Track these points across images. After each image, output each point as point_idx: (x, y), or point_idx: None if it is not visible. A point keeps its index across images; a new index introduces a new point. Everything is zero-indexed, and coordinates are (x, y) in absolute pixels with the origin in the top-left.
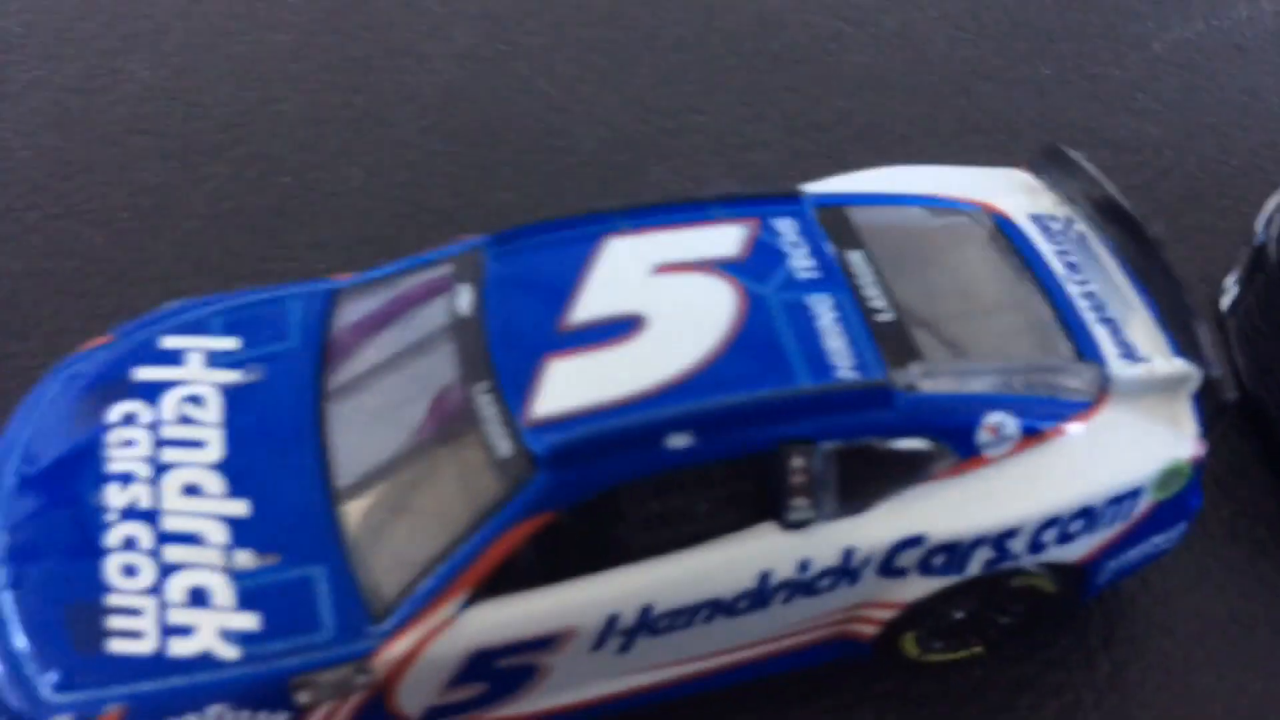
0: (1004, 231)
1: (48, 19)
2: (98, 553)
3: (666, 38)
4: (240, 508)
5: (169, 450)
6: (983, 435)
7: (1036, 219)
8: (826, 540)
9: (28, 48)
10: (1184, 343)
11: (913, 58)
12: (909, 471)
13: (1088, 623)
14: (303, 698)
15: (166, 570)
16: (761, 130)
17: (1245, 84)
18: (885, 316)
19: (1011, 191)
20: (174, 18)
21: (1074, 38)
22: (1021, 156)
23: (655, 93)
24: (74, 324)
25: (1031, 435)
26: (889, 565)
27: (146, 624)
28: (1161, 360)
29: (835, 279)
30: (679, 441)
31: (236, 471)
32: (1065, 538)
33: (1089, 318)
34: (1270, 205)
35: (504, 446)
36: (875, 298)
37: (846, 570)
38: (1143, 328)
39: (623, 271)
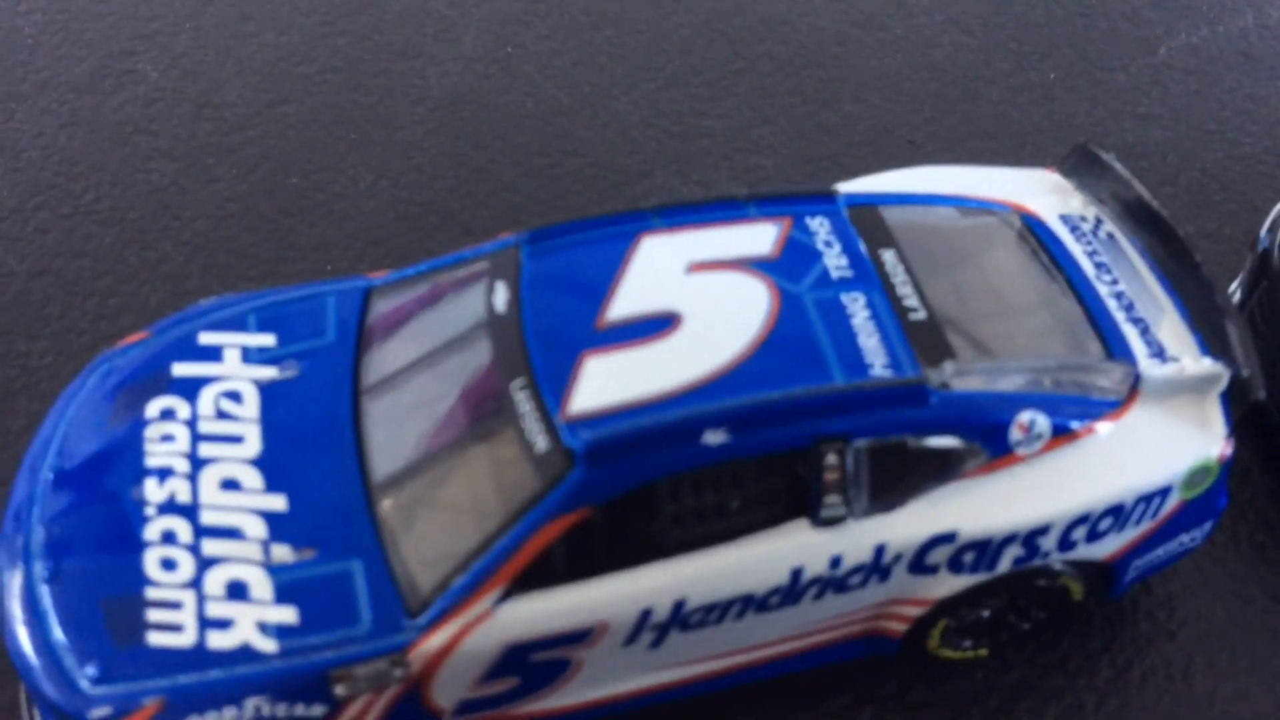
0: (1033, 231)
1: (59, 19)
2: (137, 546)
3: (673, 41)
4: (278, 502)
5: (207, 445)
6: (1014, 433)
7: (1066, 219)
8: (858, 537)
9: (38, 48)
10: (1212, 343)
11: (919, 62)
12: (941, 469)
13: (1089, 626)
14: (340, 690)
15: (205, 564)
16: (767, 134)
17: (1251, 90)
18: (918, 315)
19: (1041, 192)
20: (184, 19)
21: (1080, 43)
22: (1027, 161)
23: (662, 96)
24: (82, 324)
25: (1062, 434)
26: (920, 562)
27: (185, 617)
28: (1190, 360)
29: (868, 277)
30: (715, 438)
31: (274, 467)
32: (1094, 536)
33: (1118, 317)
34: (1275, 211)
35: (541, 442)
36: (908, 296)
37: (878, 567)
38: (1172, 327)
39: (658, 269)
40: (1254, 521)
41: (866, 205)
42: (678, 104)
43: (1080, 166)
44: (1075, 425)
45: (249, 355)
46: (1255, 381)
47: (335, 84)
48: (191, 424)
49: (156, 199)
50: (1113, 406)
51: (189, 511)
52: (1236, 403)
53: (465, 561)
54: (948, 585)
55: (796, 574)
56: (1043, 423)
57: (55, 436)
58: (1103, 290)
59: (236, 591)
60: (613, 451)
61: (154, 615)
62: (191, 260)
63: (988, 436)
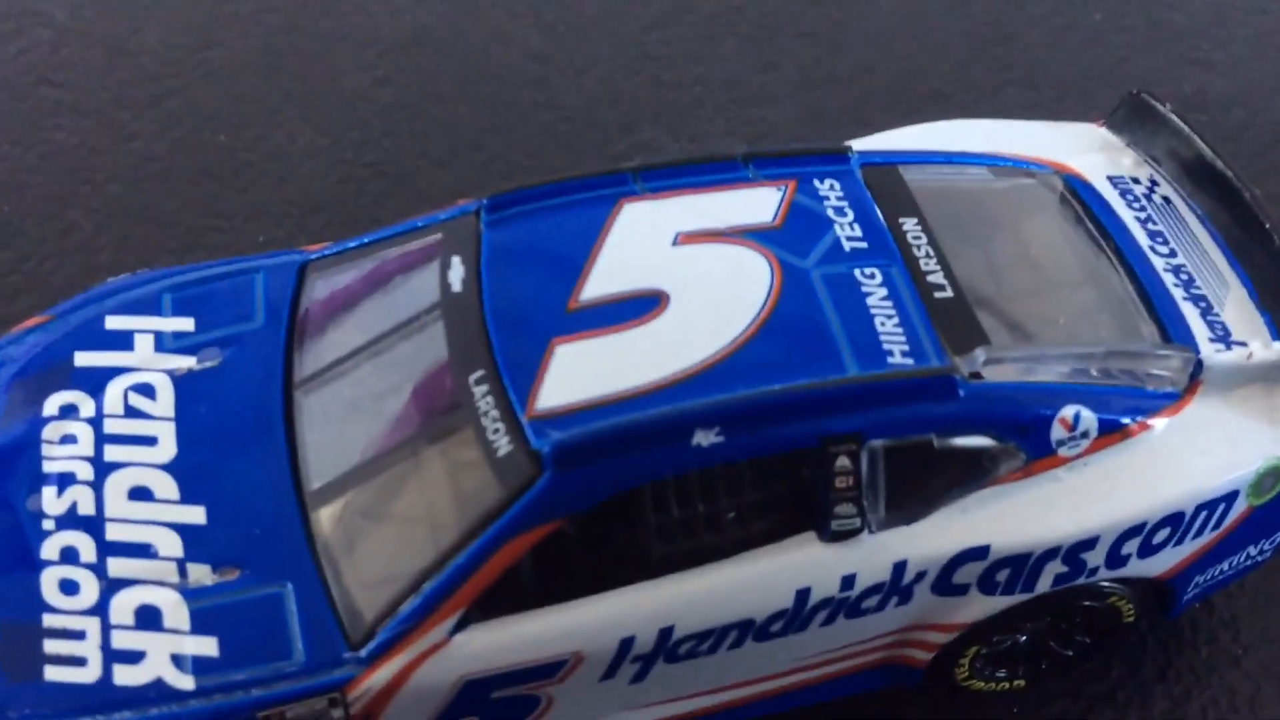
0: (1078, 195)
1: None
2: (33, 566)
3: None
4: (196, 515)
5: (114, 448)
6: (1056, 431)
7: (1115, 181)
8: (875, 553)
9: None
10: None
11: (947, 0)
12: (970, 473)
13: (1142, 652)
14: None
15: (111, 587)
16: (771, 83)
17: None
18: (944, 294)
19: (1086, 149)
20: None
21: None
22: (1070, 114)
23: (649, 39)
24: None
25: (1111, 431)
26: (946, 582)
27: (89, 649)
28: (1260, 345)
29: (886, 250)
30: (705, 439)
31: (191, 473)
32: (1149, 549)
33: (1176, 295)
34: None
35: (503, 444)
36: (933, 272)
37: (897, 587)
38: (1238, 307)
39: (641, 241)
40: None
41: (885, 166)
42: (667, 47)
43: (1132, 120)
44: (1126, 421)
45: (163, 342)
46: None
47: (270, 25)
48: (96, 423)
49: (62, 160)
50: (1170, 399)
51: (93, 525)
52: None
53: (415, 583)
54: (979, 607)
55: (803, 596)
56: (1089, 419)
57: None
58: (1158, 263)
59: (148, 619)
60: (587, 454)
61: (52, 646)
62: (103, 230)
63: (1025, 435)
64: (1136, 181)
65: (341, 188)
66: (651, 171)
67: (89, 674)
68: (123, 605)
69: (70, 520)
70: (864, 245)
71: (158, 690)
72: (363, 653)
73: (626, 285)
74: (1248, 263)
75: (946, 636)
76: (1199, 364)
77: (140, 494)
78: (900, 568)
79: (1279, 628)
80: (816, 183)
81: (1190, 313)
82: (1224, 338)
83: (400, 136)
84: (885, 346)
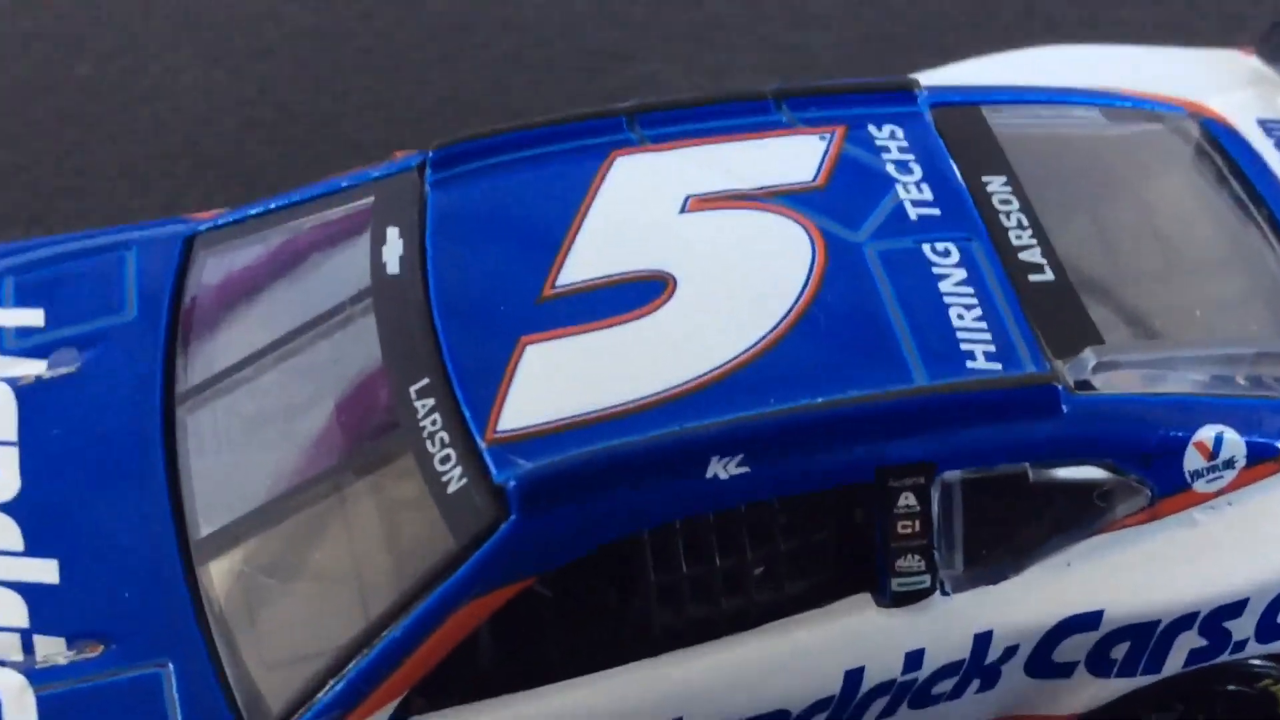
0: (1220, 145)
1: None
2: None
3: None
4: (45, 571)
5: None
6: (1191, 459)
7: (1269, 127)
8: (949, 621)
9: None
10: None
11: None
12: (1077, 515)
13: None
14: None
15: None
16: (813, 1)
17: None
18: (1042, 277)
19: (1230, 85)
20: None
21: None
22: (1207, 38)
23: None
24: None
25: (1264, 459)
26: (1045, 659)
27: None
28: None
29: (966, 218)
30: (724, 470)
31: (40, 516)
32: None
33: None
34: None
35: (455, 477)
36: (1027, 248)
37: (980, 667)
38: None
39: (639, 207)
40: None
41: (964, 106)
42: None
43: None
44: None
45: (2, 341)
46: None
47: None
48: None
49: None
50: None
51: None
52: None
53: (338, 662)
54: (1089, 694)
55: (854, 678)
56: (1234, 443)
57: None
58: None
59: None
60: (566, 490)
61: None
62: None
63: (1150, 464)
64: None
65: (241, 135)
66: (653, 114)
67: None
68: None
69: None
70: (935, 212)
71: None
72: None
73: (619, 266)
74: None
75: None
76: None
77: None
78: (983, 641)
79: None
80: (872, 129)
81: None
82: None
83: (319, 68)
84: (964, 347)
